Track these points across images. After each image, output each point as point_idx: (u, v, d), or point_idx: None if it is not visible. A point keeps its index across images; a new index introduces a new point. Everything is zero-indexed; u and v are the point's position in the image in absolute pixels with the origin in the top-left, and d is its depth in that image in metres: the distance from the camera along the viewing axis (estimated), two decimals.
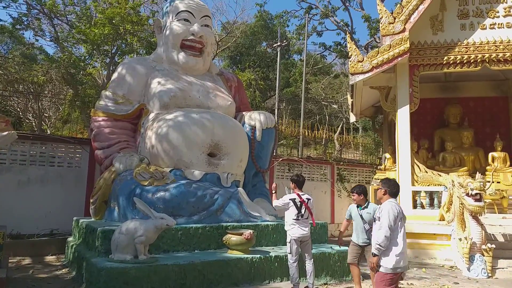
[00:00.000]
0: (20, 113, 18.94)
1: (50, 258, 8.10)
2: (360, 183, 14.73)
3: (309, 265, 5.85)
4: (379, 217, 4.21)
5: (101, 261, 5.42)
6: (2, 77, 16.66)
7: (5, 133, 5.84)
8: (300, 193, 5.90)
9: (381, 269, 4.09)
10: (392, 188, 4.31)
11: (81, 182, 9.67)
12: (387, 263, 4.04)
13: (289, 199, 5.83)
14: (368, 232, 5.47)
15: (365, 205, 5.71)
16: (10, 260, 7.08)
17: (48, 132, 18.76)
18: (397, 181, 10.03)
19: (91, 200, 7.82)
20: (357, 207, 5.77)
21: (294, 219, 5.76)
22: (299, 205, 5.78)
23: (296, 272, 5.73)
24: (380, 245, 4.05)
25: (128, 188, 7.08)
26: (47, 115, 19.79)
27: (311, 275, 5.81)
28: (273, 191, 6.23)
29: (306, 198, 5.88)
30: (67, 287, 6.00)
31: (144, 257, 5.46)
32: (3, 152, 8.71)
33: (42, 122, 18.88)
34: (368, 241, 5.51)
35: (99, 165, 8.48)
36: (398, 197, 9.77)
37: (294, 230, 5.76)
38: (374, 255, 4.13)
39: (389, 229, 4.02)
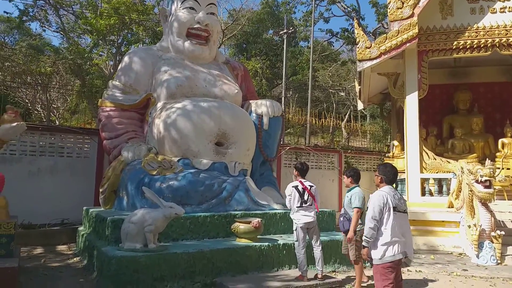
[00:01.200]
0: (29, 104, 19.05)
1: (61, 247, 8.22)
2: (368, 171, 14.72)
3: (317, 252, 5.85)
4: (367, 207, 4.16)
5: (112, 250, 5.48)
6: (10, 69, 16.75)
7: (14, 124, 5.87)
8: (303, 181, 5.90)
9: (373, 261, 4.05)
10: (388, 176, 4.17)
11: (90, 172, 9.77)
12: (376, 254, 3.98)
13: (292, 187, 5.84)
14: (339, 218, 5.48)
15: (350, 188, 5.67)
16: (21, 250, 7.18)
17: (57, 123, 18.87)
18: (406, 167, 10.15)
19: (101, 190, 7.90)
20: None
21: (298, 206, 5.76)
22: (301, 192, 5.78)
23: (304, 260, 5.73)
24: (366, 237, 3.98)
25: (137, 178, 7.13)
26: (55, 106, 19.90)
27: (319, 262, 5.82)
28: None
29: (309, 185, 5.87)
30: (79, 276, 6.10)
31: (154, 246, 5.51)
32: (13, 143, 8.78)
33: (51, 113, 19.01)
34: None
35: (108, 155, 8.53)
36: (406, 184, 9.94)
37: (299, 217, 5.75)
38: (364, 246, 4.10)
39: (373, 219, 3.93)
